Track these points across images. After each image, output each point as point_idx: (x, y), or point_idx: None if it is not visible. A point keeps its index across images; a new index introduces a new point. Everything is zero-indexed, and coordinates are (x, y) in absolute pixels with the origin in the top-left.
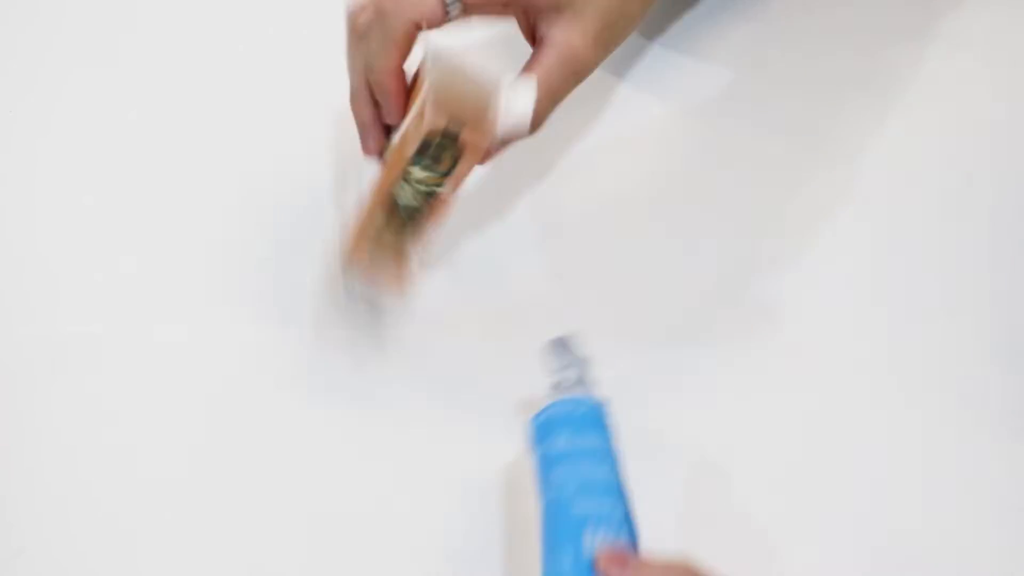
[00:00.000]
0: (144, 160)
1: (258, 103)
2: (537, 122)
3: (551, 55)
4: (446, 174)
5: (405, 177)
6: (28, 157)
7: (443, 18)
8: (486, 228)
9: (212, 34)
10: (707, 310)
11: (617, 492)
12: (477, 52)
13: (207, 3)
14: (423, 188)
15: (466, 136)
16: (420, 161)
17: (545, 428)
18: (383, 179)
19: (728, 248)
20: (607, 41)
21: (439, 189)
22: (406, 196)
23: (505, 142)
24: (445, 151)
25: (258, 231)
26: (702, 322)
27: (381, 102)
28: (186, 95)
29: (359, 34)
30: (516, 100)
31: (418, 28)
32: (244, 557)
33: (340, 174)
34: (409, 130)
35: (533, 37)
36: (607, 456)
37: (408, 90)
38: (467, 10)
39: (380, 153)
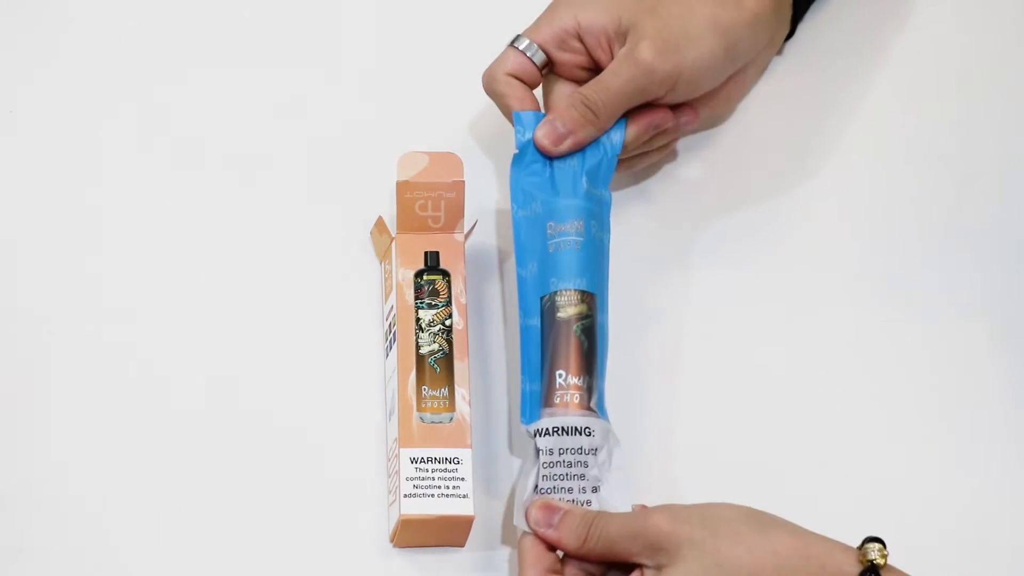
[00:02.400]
0: (151, 162)
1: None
2: (606, 118)
3: (615, 62)
4: (448, 303)
5: (418, 326)
6: (29, 158)
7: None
8: None
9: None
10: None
11: None
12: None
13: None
14: (437, 327)
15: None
16: (422, 303)
17: None
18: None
19: (723, 236)
20: (666, 51)
21: (450, 321)
22: (426, 343)
23: None
24: (435, 279)
25: (261, 231)
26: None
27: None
28: (188, 92)
29: None
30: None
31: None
32: (243, 557)
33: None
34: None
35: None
36: None
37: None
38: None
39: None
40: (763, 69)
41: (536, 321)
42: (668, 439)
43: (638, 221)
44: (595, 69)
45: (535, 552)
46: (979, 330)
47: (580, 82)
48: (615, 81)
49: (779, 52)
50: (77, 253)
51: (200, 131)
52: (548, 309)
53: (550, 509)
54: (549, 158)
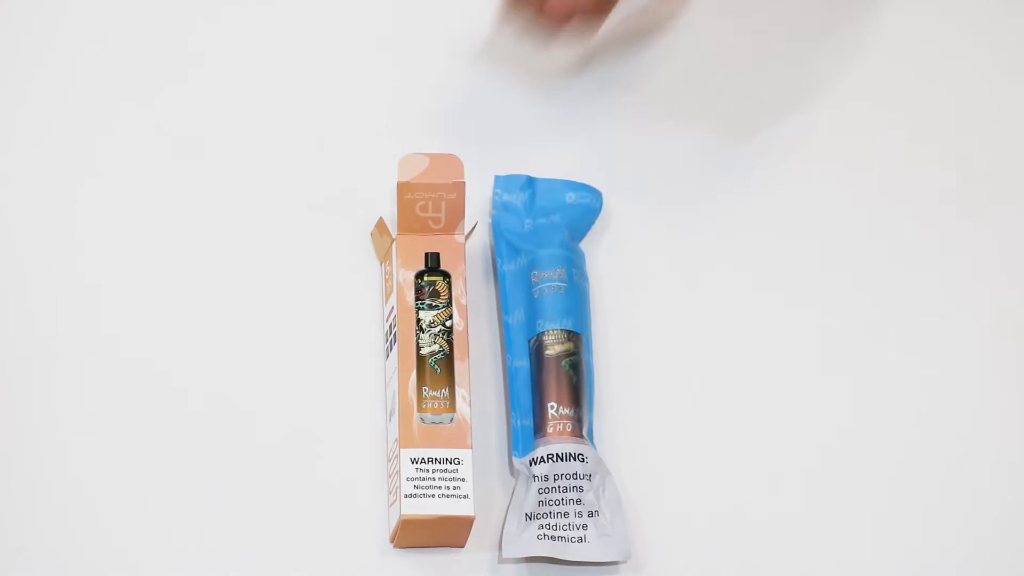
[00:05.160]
0: (150, 164)
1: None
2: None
3: None
4: (448, 303)
5: (419, 327)
6: (30, 159)
7: None
8: None
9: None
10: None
11: None
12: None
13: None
14: (437, 328)
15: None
16: (422, 304)
17: None
18: (404, 347)
19: (725, 243)
20: None
21: (450, 322)
22: (427, 344)
23: None
24: (435, 280)
25: (261, 232)
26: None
27: None
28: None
29: None
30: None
31: None
32: (244, 558)
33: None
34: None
35: None
36: None
37: None
38: None
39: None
40: None
41: (524, 362)
42: (654, 464)
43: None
44: None
45: None
46: (978, 327)
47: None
48: None
49: None
50: (77, 251)
51: (200, 132)
52: (536, 348)
53: None
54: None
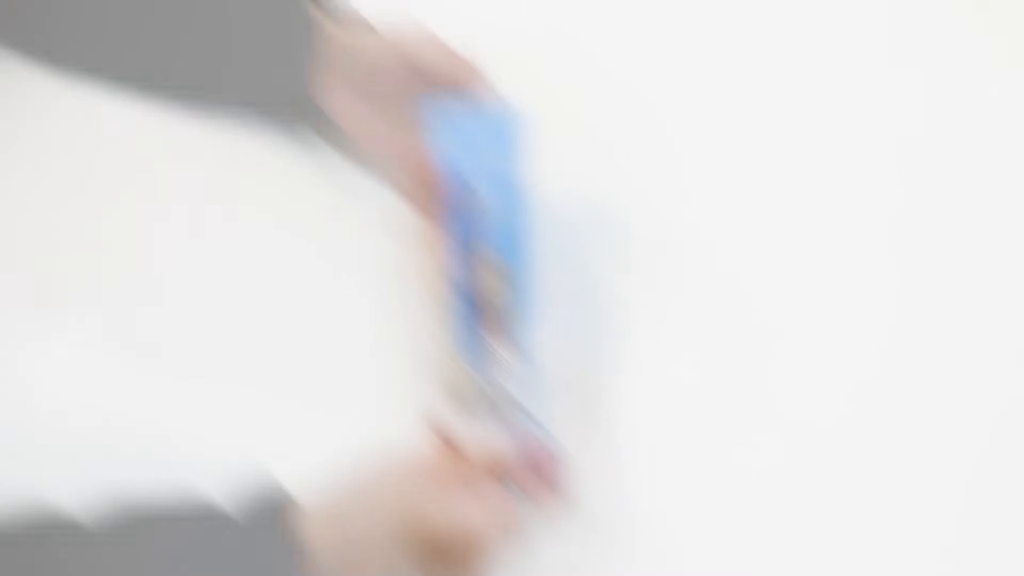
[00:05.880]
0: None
1: None
2: None
3: None
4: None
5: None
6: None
7: None
8: None
9: None
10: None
11: None
12: None
13: None
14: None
15: None
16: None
17: None
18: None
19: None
20: None
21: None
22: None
23: None
24: None
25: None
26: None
27: None
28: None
29: None
30: None
31: None
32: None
33: None
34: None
35: None
36: None
37: None
38: None
39: None
40: None
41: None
42: (668, 473)
43: None
44: None
45: None
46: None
47: None
48: None
49: None
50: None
51: (200, 135)
52: (474, 278)
53: None
54: None
